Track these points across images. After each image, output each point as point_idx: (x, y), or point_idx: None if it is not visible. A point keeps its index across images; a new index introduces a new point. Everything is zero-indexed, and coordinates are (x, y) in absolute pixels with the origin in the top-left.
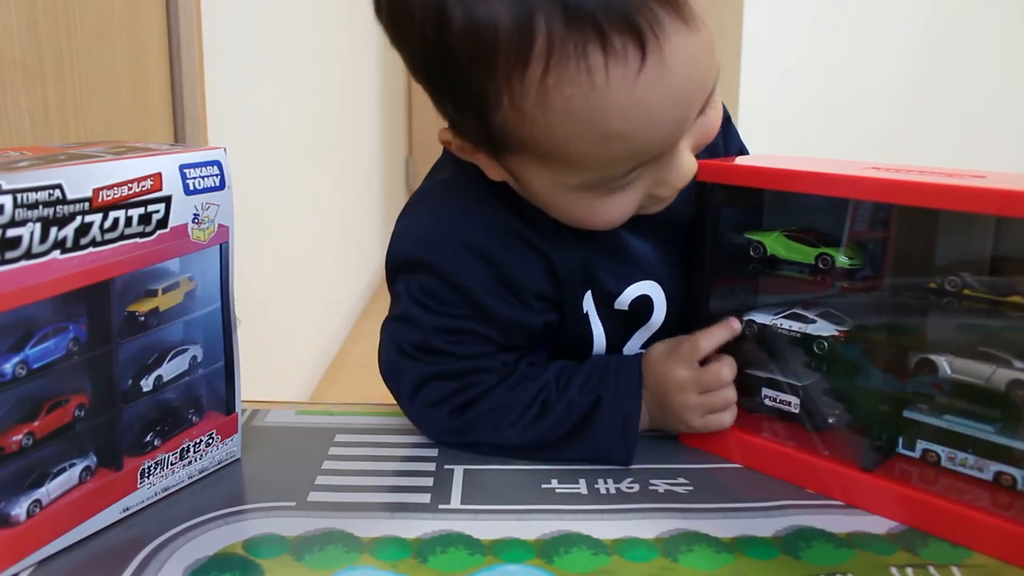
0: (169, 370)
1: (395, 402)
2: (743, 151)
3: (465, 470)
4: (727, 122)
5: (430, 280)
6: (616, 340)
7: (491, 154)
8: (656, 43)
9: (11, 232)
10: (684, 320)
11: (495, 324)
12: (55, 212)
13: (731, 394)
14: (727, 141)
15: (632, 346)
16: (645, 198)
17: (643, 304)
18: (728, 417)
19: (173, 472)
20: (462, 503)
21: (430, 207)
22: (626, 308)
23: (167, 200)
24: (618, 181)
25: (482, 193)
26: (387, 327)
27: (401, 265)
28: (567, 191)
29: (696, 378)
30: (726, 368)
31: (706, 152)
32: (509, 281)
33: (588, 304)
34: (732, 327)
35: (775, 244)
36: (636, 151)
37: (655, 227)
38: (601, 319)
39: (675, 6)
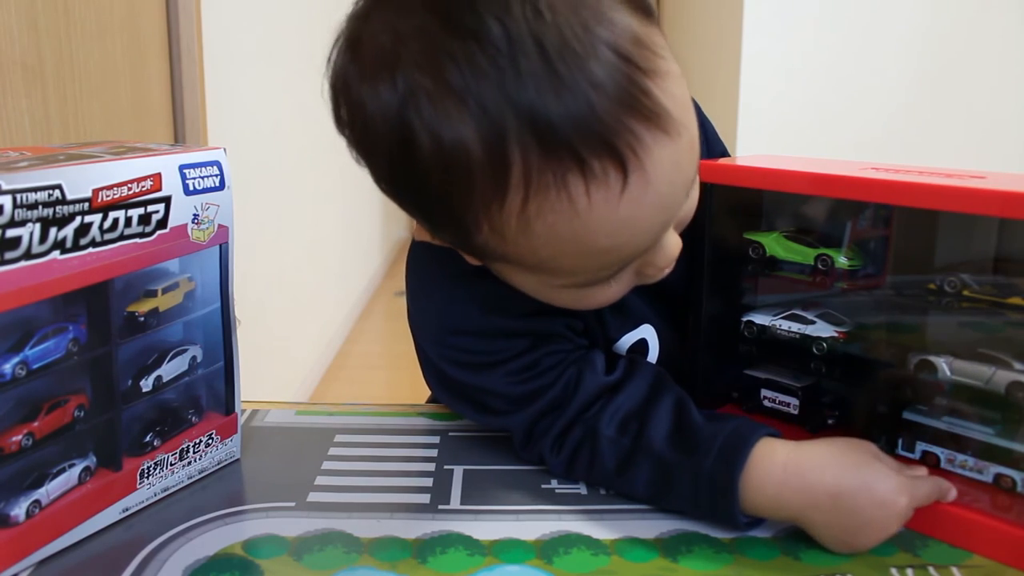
0: (169, 370)
1: (394, 402)
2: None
3: (465, 470)
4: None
5: (474, 341)
6: None
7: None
8: (638, 161)
9: (11, 232)
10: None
11: (554, 332)
12: (55, 212)
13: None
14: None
15: None
16: (633, 281)
17: (640, 347)
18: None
19: (173, 472)
20: (462, 503)
21: (443, 288)
22: (623, 353)
23: (167, 200)
24: (605, 278)
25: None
26: (459, 407)
27: (436, 342)
28: (555, 288)
29: (909, 503)
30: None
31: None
32: (543, 309)
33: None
34: (944, 491)
35: (774, 245)
36: (623, 258)
37: None
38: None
39: (656, 120)
